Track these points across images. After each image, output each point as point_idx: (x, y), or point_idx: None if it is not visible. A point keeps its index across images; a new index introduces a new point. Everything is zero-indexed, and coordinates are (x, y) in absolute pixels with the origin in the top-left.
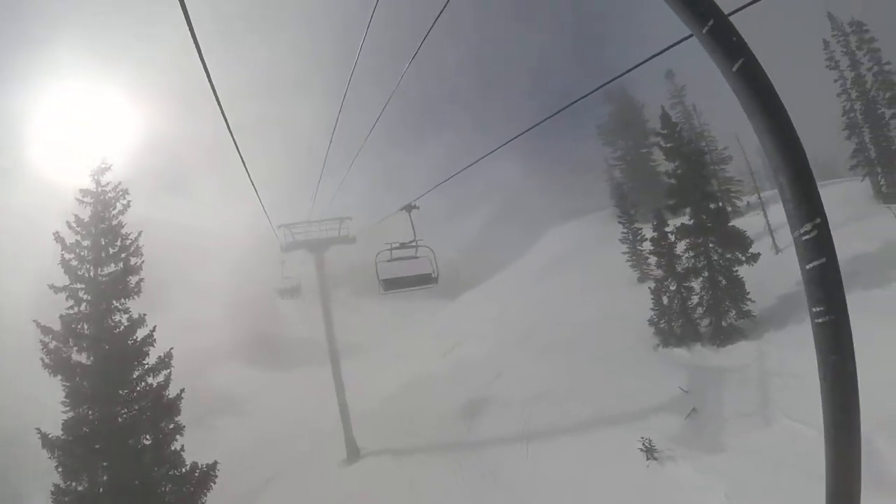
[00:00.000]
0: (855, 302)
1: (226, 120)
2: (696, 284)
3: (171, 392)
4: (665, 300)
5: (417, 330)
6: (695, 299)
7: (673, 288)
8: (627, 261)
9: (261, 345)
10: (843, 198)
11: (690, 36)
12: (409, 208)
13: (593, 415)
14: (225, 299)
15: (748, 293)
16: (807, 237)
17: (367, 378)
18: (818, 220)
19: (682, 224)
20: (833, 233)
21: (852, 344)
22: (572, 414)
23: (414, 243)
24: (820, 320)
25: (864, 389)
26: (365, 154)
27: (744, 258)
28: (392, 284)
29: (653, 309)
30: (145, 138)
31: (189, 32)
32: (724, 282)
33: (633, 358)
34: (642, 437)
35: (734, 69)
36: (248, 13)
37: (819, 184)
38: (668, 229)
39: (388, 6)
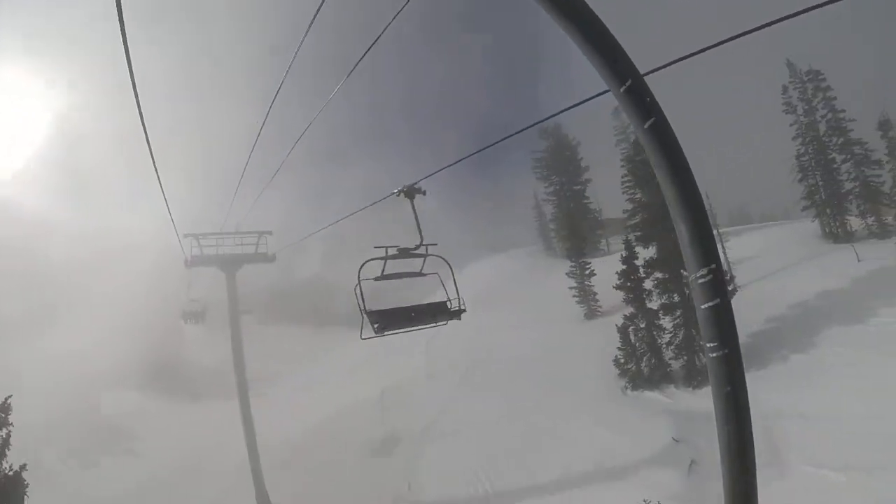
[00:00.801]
0: (838, 337)
1: (140, 114)
2: (666, 322)
3: (14, 461)
4: (633, 339)
5: (338, 361)
6: (665, 338)
7: (643, 325)
8: (574, 296)
9: (161, 372)
10: (795, 238)
11: (608, 91)
12: (410, 193)
13: (571, 468)
14: (123, 316)
15: None
16: (702, 280)
17: (281, 415)
18: (713, 266)
19: (651, 257)
20: (791, 270)
21: (744, 376)
22: (544, 468)
23: (423, 248)
24: (714, 354)
25: (858, 423)
26: (290, 171)
27: None
28: (388, 322)
29: (620, 348)
30: (47, 129)
31: (119, 27)
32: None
33: (601, 402)
34: (645, 500)
35: (645, 126)
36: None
37: (771, 224)
38: (637, 262)
39: (326, 23)
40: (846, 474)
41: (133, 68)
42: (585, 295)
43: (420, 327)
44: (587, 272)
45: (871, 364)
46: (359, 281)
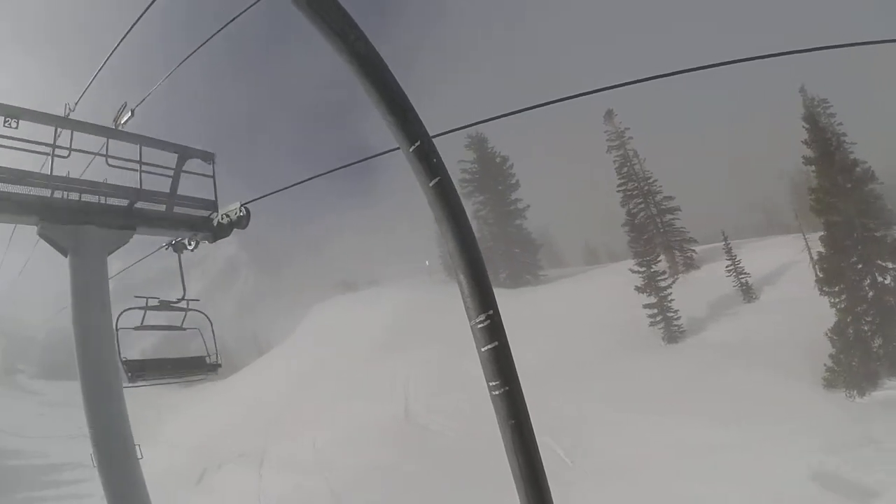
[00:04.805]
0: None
1: None
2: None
3: None
4: (850, 335)
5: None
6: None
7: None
8: (649, 316)
9: None
10: None
11: (397, 148)
12: (178, 247)
13: None
14: None
15: None
16: (481, 326)
17: None
18: (490, 312)
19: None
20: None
21: (527, 409)
22: None
23: (185, 302)
24: (496, 392)
25: None
26: None
27: None
28: (145, 372)
29: (833, 356)
30: None
31: None
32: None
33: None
34: None
35: (431, 184)
36: None
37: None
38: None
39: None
40: None
41: None
42: (664, 312)
43: (177, 380)
44: (664, 283)
45: None
46: (116, 329)
